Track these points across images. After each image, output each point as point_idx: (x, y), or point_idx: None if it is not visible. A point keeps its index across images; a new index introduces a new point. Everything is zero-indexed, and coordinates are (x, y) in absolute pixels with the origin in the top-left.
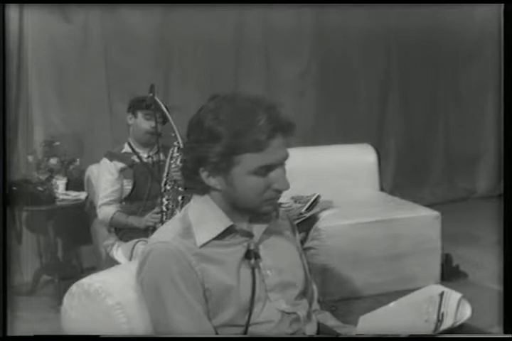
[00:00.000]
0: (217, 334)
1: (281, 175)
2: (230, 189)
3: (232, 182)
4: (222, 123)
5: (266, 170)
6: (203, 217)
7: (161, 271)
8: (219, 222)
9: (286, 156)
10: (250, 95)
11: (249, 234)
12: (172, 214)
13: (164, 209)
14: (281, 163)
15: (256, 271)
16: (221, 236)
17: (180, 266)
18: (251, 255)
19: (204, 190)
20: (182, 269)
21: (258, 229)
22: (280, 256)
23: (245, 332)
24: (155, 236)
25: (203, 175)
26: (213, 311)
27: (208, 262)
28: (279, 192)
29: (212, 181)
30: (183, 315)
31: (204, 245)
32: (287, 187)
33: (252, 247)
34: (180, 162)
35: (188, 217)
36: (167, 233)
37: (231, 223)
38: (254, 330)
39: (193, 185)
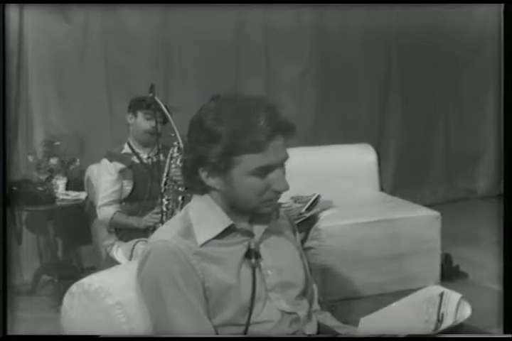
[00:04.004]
0: (217, 333)
1: (281, 176)
2: (229, 189)
3: (231, 182)
4: (221, 124)
5: (265, 171)
6: (204, 217)
7: (162, 270)
8: (219, 221)
9: (286, 157)
10: (251, 95)
11: (250, 234)
12: (172, 214)
13: (164, 209)
14: (280, 164)
15: (256, 270)
16: (222, 235)
17: (181, 265)
18: (251, 254)
19: (204, 189)
20: (182, 268)
21: (258, 229)
22: (281, 255)
23: (245, 332)
24: (155, 236)
25: (203, 175)
26: (213, 310)
27: (209, 261)
28: (278, 193)
29: (212, 181)
30: (184, 314)
31: (204, 244)
32: (286, 188)
33: (252, 246)
34: (181, 162)
35: (188, 216)
36: (167, 232)
37: (231, 222)
38: (254, 330)
39: (193, 185)
